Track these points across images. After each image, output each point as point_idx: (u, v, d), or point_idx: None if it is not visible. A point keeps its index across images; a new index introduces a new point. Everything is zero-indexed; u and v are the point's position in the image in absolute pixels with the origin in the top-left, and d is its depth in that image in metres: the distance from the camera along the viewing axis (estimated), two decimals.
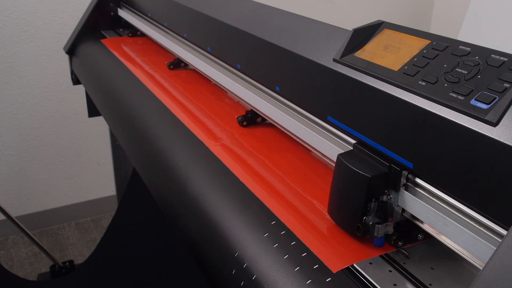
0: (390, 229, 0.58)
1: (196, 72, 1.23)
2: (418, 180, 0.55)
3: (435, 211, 0.53)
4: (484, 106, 0.47)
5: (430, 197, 0.54)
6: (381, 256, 0.58)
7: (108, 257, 1.76)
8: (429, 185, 0.54)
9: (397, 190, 0.57)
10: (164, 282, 1.65)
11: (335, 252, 0.58)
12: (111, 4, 1.64)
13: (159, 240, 1.67)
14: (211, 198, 0.74)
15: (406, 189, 0.57)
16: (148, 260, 1.67)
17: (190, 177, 0.82)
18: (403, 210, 0.58)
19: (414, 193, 0.56)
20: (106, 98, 1.29)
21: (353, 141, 0.64)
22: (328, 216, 0.64)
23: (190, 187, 0.79)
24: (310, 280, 0.54)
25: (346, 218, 0.60)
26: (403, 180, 0.56)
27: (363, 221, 0.58)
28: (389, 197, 0.58)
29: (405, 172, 0.56)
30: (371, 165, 0.59)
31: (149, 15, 1.44)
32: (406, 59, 0.58)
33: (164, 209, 0.88)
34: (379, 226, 0.57)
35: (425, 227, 0.56)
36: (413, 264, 0.56)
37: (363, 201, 0.57)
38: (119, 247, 1.74)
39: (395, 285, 0.53)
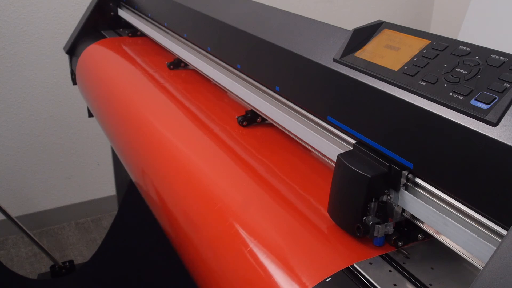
0: (390, 229, 0.58)
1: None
2: (418, 180, 0.55)
3: (435, 211, 0.53)
4: (484, 106, 0.47)
5: (430, 197, 0.54)
6: (381, 256, 0.58)
7: (110, 258, 1.76)
8: (429, 185, 0.54)
9: (397, 190, 0.57)
10: (165, 283, 1.65)
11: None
12: (111, 4, 1.64)
13: (161, 240, 1.67)
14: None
15: (406, 189, 0.57)
16: (150, 260, 1.67)
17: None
18: (403, 210, 0.58)
19: (414, 193, 0.56)
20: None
21: (353, 141, 0.64)
22: (328, 216, 0.63)
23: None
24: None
25: (346, 218, 0.60)
26: (403, 180, 0.56)
27: (363, 221, 0.58)
28: (389, 197, 0.58)
29: (405, 172, 0.56)
30: (371, 165, 0.59)
31: (149, 15, 1.44)
32: (406, 59, 0.58)
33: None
34: (379, 226, 0.57)
35: (425, 227, 0.56)
36: (413, 264, 0.56)
37: (363, 201, 0.57)
38: (121, 247, 1.74)
39: (395, 285, 0.53)
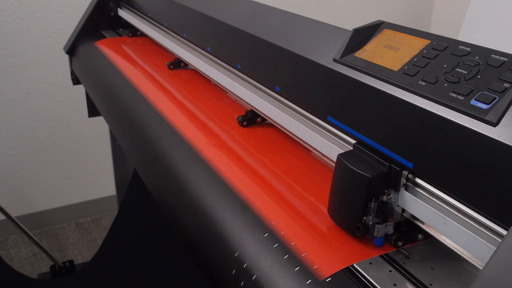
0: (390, 229, 0.58)
1: (196, 72, 1.23)
2: (418, 180, 0.55)
3: (435, 211, 0.53)
4: (484, 106, 0.47)
5: (430, 197, 0.54)
6: (381, 256, 0.58)
7: (111, 259, 1.76)
8: (429, 185, 0.54)
9: (397, 190, 0.57)
10: (165, 282, 1.65)
11: (335, 252, 0.58)
12: (111, 4, 1.64)
13: (161, 241, 1.67)
14: (211, 198, 0.74)
15: (406, 189, 0.57)
16: (150, 260, 1.67)
17: (190, 177, 0.82)
18: (403, 210, 0.58)
19: (414, 193, 0.56)
20: (106, 98, 1.29)
21: (353, 141, 0.64)
22: (328, 216, 0.63)
23: (190, 187, 0.79)
24: (310, 280, 0.54)
25: (346, 218, 0.60)
26: (403, 180, 0.56)
27: (363, 221, 0.58)
28: (389, 197, 0.58)
29: (405, 172, 0.56)
30: (371, 165, 0.59)
31: (149, 15, 1.44)
32: (406, 59, 0.58)
33: (164, 210, 0.88)
34: (379, 226, 0.57)
35: (425, 227, 0.56)
36: (413, 264, 0.56)
37: (363, 201, 0.57)
38: (121, 248, 1.74)
39: (395, 285, 0.53)
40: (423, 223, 0.56)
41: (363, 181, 0.57)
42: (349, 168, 0.59)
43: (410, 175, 0.56)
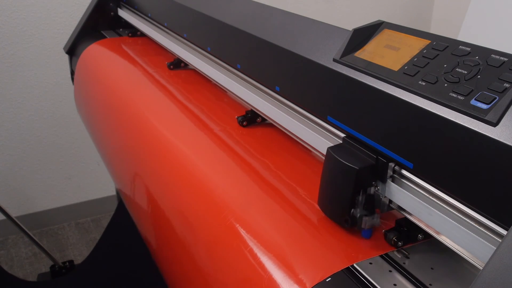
0: (377, 221, 0.59)
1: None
2: (404, 172, 0.57)
3: (419, 201, 0.54)
4: (484, 106, 0.47)
5: (416, 187, 0.55)
6: (381, 256, 0.58)
7: (107, 256, 1.75)
8: (414, 177, 0.55)
9: (384, 181, 0.58)
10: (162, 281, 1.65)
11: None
12: (111, 4, 1.64)
13: None
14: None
15: (393, 181, 0.58)
16: (147, 258, 1.67)
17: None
18: (390, 201, 0.59)
19: (400, 184, 0.57)
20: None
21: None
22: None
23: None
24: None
25: (335, 209, 0.61)
26: (390, 172, 0.58)
27: (351, 213, 0.58)
28: (376, 188, 0.59)
29: (391, 164, 0.57)
30: (359, 158, 0.59)
31: (149, 15, 1.44)
32: (406, 59, 0.58)
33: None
34: (366, 218, 0.58)
35: (421, 224, 0.56)
36: (413, 264, 0.56)
37: (351, 192, 0.58)
38: (118, 245, 1.74)
39: (395, 285, 0.53)
40: (410, 214, 0.57)
41: (351, 173, 0.57)
42: (337, 161, 0.59)
43: (396, 167, 0.57)
